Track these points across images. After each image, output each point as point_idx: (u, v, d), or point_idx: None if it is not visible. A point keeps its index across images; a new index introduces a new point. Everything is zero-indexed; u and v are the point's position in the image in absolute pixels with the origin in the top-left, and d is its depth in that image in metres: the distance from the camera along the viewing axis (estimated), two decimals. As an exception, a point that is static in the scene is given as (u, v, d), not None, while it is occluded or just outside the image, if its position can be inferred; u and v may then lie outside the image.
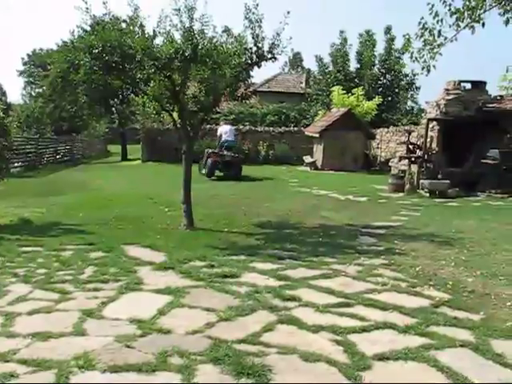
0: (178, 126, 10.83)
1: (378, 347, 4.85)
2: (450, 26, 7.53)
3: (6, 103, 30.12)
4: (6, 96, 64.81)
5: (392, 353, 4.73)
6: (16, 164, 24.57)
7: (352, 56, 37.60)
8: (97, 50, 9.38)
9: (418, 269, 7.62)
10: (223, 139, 22.03)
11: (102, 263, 7.68)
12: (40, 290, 6.46)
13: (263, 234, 10.16)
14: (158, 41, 9.89)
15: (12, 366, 4.37)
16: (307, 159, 28.16)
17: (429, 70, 7.79)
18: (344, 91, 30.78)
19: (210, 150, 21.69)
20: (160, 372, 4.32)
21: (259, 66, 10.34)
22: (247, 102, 17.35)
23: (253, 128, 32.68)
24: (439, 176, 17.67)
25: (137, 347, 4.76)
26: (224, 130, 22.47)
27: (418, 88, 37.98)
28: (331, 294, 6.38)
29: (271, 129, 32.79)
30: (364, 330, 5.27)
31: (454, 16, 7.46)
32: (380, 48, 37.30)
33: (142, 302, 6.05)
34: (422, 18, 7.64)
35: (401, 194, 17.26)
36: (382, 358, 4.65)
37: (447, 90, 18.95)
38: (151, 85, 10.43)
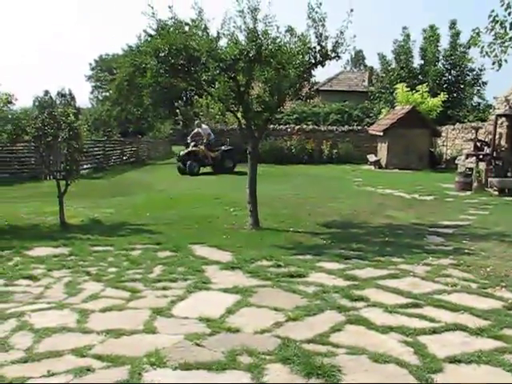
0: (243, 126, 10.89)
1: (450, 349, 4.75)
2: (523, 18, 7.28)
3: (75, 107, 31.05)
4: (75, 100, 66.88)
5: (464, 355, 4.62)
6: (85, 166, 25.24)
7: (415, 52, 36.92)
8: (163, 54, 9.55)
9: (488, 269, 7.42)
10: (212, 137, 24.65)
11: (170, 262, 7.81)
12: (111, 288, 6.63)
13: (328, 233, 10.10)
14: (223, 42, 10.02)
15: (88, 361, 4.51)
16: (371, 158, 27.84)
17: (500, 65, 7.54)
18: (408, 88, 30.28)
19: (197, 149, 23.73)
20: (229, 371, 4.35)
21: (323, 65, 10.29)
22: (311, 101, 17.25)
23: (316, 127, 32.56)
24: (509, 174, 17.14)
25: (206, 346, 4.81)
26: (208, 130, 24.71)
27: (484, 83, 36.85)
28: (399, 295, 6.29)
29: (334, 128, 32.60)
30: (434, 331, 5.17)
31: (528, 7, 7.21)
32: (444, 43, 36.49)
33: (210, 301, 6.11)
34: (493, 10, 7.41)
35: (468, 193, 16.82)
36: (453, 360, 4.56)
37: (517, 84, 18.35)
38: (216, 86, 10.53)
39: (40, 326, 5.29)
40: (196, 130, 24.71)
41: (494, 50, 7.49)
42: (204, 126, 25.52)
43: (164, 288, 6.57)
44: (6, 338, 5.04)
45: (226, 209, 12.84)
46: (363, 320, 5.43)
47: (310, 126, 32.71)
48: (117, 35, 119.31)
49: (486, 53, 7.61)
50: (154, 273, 7.30)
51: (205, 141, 24.00)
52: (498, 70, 7.56)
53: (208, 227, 10.58)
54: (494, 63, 7.55)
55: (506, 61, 7.49)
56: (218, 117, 13.34)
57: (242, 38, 9.89)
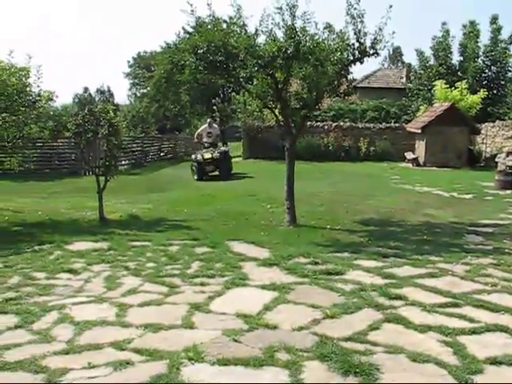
0: (281, 123, 10.88)
1: (490, 350, 4.67)
2: None
3: (113, 104, 31.44)
4: (114, 97, 67.76)
5: (505, 357, 4.54)
6: (123, 162, 25.57)
7: (455, 48, 36.29)
8: (201, 51, 9.60)
9: (530, 269, 7.27)
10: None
11: (207, 258, 7.86)
12: (150, 283, 6.70)
13: (366, 231, 10.04)
14: (261, 39, 10.03)
15: (127, 355, 4.57)
16: (409, 155, 27.51)
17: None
18: (447, 85, 29.83)
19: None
20: (267, 367, 4.36)
21: (361, 62, 10.21)
22: (348, 98, 17.15)
23: (353, 124, 32.30)
24: (550, 172, 16.76)
25: (244, 342, 4.83)
26: (218, 131, 22.87)
27: (527, 79, 36.12)
28: (438, 294, 6.21)
29: (371, 125, 32.27)
30: (474, 331, 5.09)
31: None
32: (485, 39, 35.83)
33: (247, 298, 6.13)
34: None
35: (508, 192, 16.48)
36: (494, 362, 4.48)
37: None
38: (254, 83, 10.55)
39: (80, 318, 5.39)
40: (204, 127, 22.31)
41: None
42: (215, 125, 23.52)
43: (202, 284, 6.61)
44: (48, 329, 5.15)
45: (262, 205, 12.86)
46: (401, 319, 5.38)
47: (347, 123, 32.45)
48: (155, 32, 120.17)
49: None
50: (192, 268, 7.36)
51: (212, 141, 21.54)
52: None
53: (245, 224, 10.61)
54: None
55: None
56: (255, 113, 13.37)
57: (280, 35, 9.91)
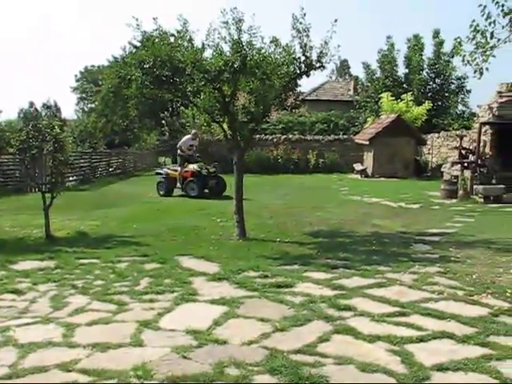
0: (229, 136, 10.91)
1: (437, 357, 4.75)
2: (502, 28, 7.37)
3: (60, 119, 30.91)
4: (61, 112, 66.57)
5: (451, 363, 4.62)
6: (71, 178, 25.15)
7: (400, 61, 37.21)
8: (148, 65, 9.56)
9: (474, 276, 7.46)
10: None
11: (157, 274, 7.77)
12: (98, 301, 6.58)
13: (315, 243, 10.13)
14: (207, 54, 10.05)
15: (74, 376, 4.46)
16: (357, 167, 27.97)
17: (481, 73, 7.63)
18: (393, 97, 30.49)
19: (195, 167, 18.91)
20: (217, 383, 4.33)
21: (308, 76, 10.35)
22: (296, 111, 17.34)
23: (302, 137, 32.67)
24: (493, 181, 17.30)
25: (194, 358, 4.79)
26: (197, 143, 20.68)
27: (468, 91, 37.20)
28: (386, 303, 6.30)
29: (320, 137, 32.73)
30: (421, 339, 5.18)
31: (508, 17, 7.30)
32: (428, 52, 36.81)
33: (197, 313, 6.08)
34: (474, 20, 7.50)
35: (454, 200, 16.94)
36: (441, 368, 4.56)
37: (500, 92, 18.55)
38: (201, 97, 10.55)
39: (25, 340, 5.23)
40: (186, 138, 19.94)
41: (476, 58, 7.59)
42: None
43: (151, 300, 6.53)
44: (-9, 353, 4.99)
45: (212, 219, 12.84)
46: (350, 329, 5.43)
47: (296, 136, 32.83)
48: (102, 46, 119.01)
49: (468, 61, 7.71)
50: (141, 285, 7.26)
51: (192, 154, 19.64)
52: (479, 79, 7.66)
53: (195, 238, 10.56)
54: (475, 72, 7.65)
55: (487, 69, 7.59)
56: (203, 127, 13.39)
57: (226, 49, 9.96)
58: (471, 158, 18.67)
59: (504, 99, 18.24)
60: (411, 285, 7.13)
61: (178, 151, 19.55)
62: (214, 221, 12.64)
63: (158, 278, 7.58)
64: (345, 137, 32.73)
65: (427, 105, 30.40)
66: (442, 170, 20.89)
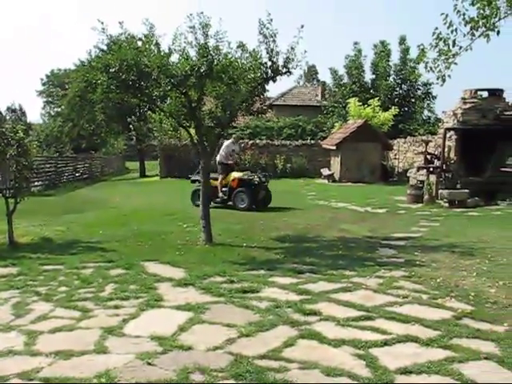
0: (195, 141, 10.88)
1: (401, 361, 4.80)
2: (464, 36, 7.47)
3: (25, 123, 30.51)
4: (26, 116, 65.72)
5: (415, 366, 4.68)
6: (36, 183, 24.81)
7: (367, 67, 37.56)
8: (113, 69, 9.48)
9: (439, 280, 7.56)
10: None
11: (122, 280, 7.71)
12: (61, 308, 6.50)
13: (282, 248, 10.16)
14: (174, 58, 10.01)
15: (35, 385, 4.40)
16: (325, 172, 28.14)
17: (444, 80, 7.75)
18: (360, 103, 30.75)
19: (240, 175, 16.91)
20: (182, 389, 4.31)
21: (274, 81, 10.38)
22: (263, 116, 17.39)
23: (269, 142, 32.75)
24: (458, 185, 17.55)
25: (158, 364, 4.76)
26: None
27: (434, 97, 37.70)
28: (352, 308, 6.34)
29: (288, 142, 32.84)
30: (386, 343, 5.23)
31: (469, 25, 7.41)
32: (395, 58, 37.25)
33: (162, 319, 6.05)
34: (436, 28, 7.59)
35: (420, 205, 17.15)
36: (404, 371, 4.62)
37: (464, 98, 18.84)
38: (168, 102, 10.53)
39: (-15, 349, 5.14)
40: (228, 143, 17.34)
41: (438, 65, 7.70)
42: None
43: (116, 307, 6.48)
44: (-51, 363, 4.88)
45: (179, 225, 12.79)
46: (316, 334, 5.46)
47: (264, 141, 32.91)
48: (69, 49, 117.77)
49: (431, 68, 7.81)
50: (106, 291, 7.19)
51: (234, 161, 17.56)
52: (441, 85, 7.77)
53: (161, 244, 10.50)
54: (438, 78, 7.76)
55: (449, 76, 7.71)
56: (170, 132, 13.32)
57: (193, 53, 9.93)
58: (436, 163, 18.90)
59: (468, 105, 18.54)
60: (376, 289, 7.19)
61: (218, 158, 16.98)
62: (181, 226, 12.59)
63: (124, 283, 7.52)
64: (312, 142, 32.90)
65: (394, 110, 30.70)
66: (408, 174, 21.14)
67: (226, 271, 8.08)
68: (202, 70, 9.59)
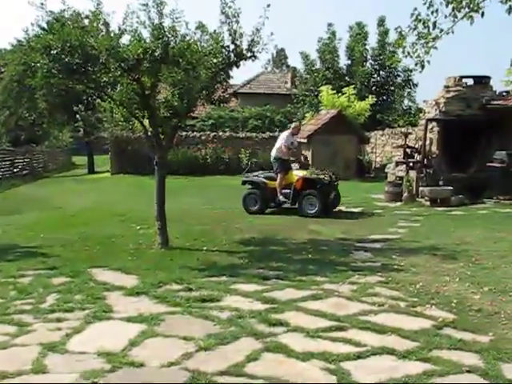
0: (150, 133, 10.82)
1: (375, 375, 4.86)
2: (445, 17, 7.56)
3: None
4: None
5: (391, 381, 4.74)
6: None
7: (342, 51, 37.76)
8: (55, 51, 9.33)
9: (418, 286, 7.67)
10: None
11: (66, 290, 7.63)
12: (-5, 322, 6.41)
13: (246, 251, 10.20)
14: (125, 40, 9.88)
15: (-37, 410, 4.33)
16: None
17: (423, 66, 7.83)
18: (333, 91, 30.81)
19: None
20: (132, 411, 4.29)
21: (238, 66, 10.38)
22: (226, 105, 17.35)
23: (234, 134, 32.72)
24: (440, 182, 17.74)
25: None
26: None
27: (415, 85, 37.94)
28: (322, 317, 6.39)
29: (254, 134, 32.85)
30: (359, 356, 5.27)
31: (451, 6, 7.50)
32: (373, 42, 37.50)
33: (111, 333, 6.02)
34: (415, 9, 7.68)
35: (398, 204, 17.33)
36: (379, 387, 4.66)
37: (447, 87, 19.05)
38: (118, 89, 10.42)
39: None
40: (287, 135, 16.26)
41: (417, 50, 7.78)
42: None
43: (58, 320, 6.41)
44: None
45: (132, 226, 12.74)
46: (282, 347, 5.48)
47: (228, 133, 32.88)
48: (5, 27, 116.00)
49: (408, 53, 7.90)
50: (47, 302, 7.10)
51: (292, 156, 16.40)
52: (421, 72, 7.86)
53: (111, 248, 10.44)
54: (416, 64, 7.84)
55: (428, 62, 7.79)
56: (121, 123, 13.19)
57: (146, 34, 9.85)
58: (417, 157, 19.11)
59: (451, 94, 18.77)
60: (350, 296, 7.26)
61: (274, 153, 16.06)
62: (134, 228, 12.54)
63: (68, 293, 7.45)
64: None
65: (371, 99, 30.85)
66: (386, 170, 21.32)
67: (184, 278, 8.07)
68: (156, 54, 9.51)
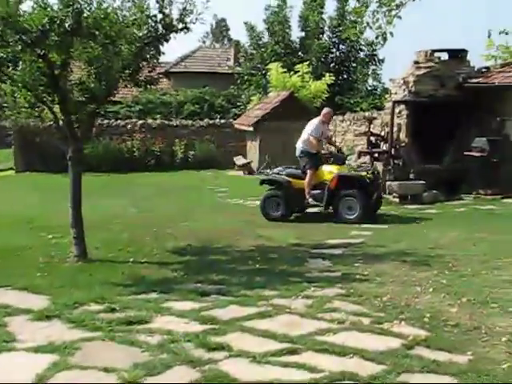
0: (61, 122, 10.68)
1: (334, 407, 4.89)
2: (411, -20, 7.66)
3: None
4: None
5: (352, 413, 4.78)
6: None
7: (294, 22, 37.86)
8: None
9: (385, 299, 7.76)
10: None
11: (-46, 316, 7.47)
12: None
13: (182, 262, 10.19)
14: (26, 6, 9.72)
15: None
16: (239, 161, 28.27)
17: (385, 39, 7.90)
18: (284, 69, 30.91)
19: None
20: None
21: (167, 40, 10.33)
22: (155, 87, 17.21)
23: (166, 122, 32.53)
24: (411, 176, 17.97)
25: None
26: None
27: (381, 61, 38.18)
28: (272, 339, 6.39)
29: (190, 122, 32.72)
30: (316, 384, 5.30)
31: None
32: (330, 10, 37.69)
33: (14, 367, 5.89)
34: (376, -31, 7.74)
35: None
36: (339, 421, 4.71)
37: (417, 62, 19.17)
38: (20, 67, 10.25)
39: None
40: (317, 122, 16.06)
41: (378, 19, 7.84)
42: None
43: None
44: None
45: (42, 236, 12.55)
46: (223, 376, 5.45)
47: (159, 121, 32.66)
48: None
49: (368, 24, 7.96)
50: None
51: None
52: (382, 45, 7.95)
53: (16, 263, 10.26)
54: (377, 37, 7.91)
55: (391, 34, 7.85)
56: (25, 110, 12.94)
57: (53, 1, 9.72)
58: (383, 146, 19.28)
59: (422, 71, 18.89)
60: (304, 313, 7.29)
61: (299, 145, 15.93)
62: (44, 237, 12.35)
63: (-44, 320, 7.30)
64: (223, 121, 32.93)
65: (328, 78, 31.04)
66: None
67: (105, 296, 7.98)
68: (66, 25, 9.39)
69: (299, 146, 15.84)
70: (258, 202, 17.28)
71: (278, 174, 15.90)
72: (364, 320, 6.97)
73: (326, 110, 16.64)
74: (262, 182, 16.12)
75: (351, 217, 14.47)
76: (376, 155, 18.78)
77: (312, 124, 15.99)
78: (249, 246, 11.50)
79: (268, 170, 16.51)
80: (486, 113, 18.09)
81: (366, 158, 19.13)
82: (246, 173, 27.14)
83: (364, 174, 15.11)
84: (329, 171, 15.16)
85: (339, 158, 15.97)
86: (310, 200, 15.11)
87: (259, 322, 6.98)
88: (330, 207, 14.97)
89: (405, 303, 7.59)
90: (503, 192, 17.23)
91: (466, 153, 17.91)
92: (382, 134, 19.99)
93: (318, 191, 15.05)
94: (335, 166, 15.40)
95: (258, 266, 9.80)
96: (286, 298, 7.90)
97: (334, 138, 28.53)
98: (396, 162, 18.52)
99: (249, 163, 27.53)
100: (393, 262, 9.89)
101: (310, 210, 15.73)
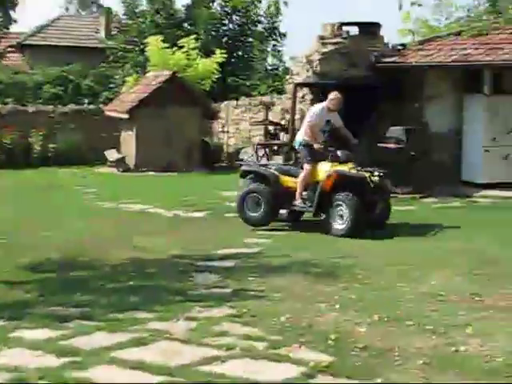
0: None
1: None
2: None
3: None
4: None
5: None
6: None
7: (177, -14, 37.80)
8: None
9: (283, 319, 7.81)
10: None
11: None
12: None
13: (37, 281, 10.06)
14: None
15: None
16: (112, 155, 28.03)
17: (278, 8, 7.93)
18: (167, 44, 30.75)
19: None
20: None
21: (15, 3, 10.17)
22: (5, 63, 16.88)
23: (19, 108, 31.93)
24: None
25: None
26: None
27: (283, 35, 38.18)
28: (146, 371, 6.31)
29: (51, 108, 32.22)
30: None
31: None
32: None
33: None
34: None
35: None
36: None
37: (323, 38, 19.25)
38: None
39: None
40: (319, 110, 15.36)
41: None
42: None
43: None
44: None
45: None
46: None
47: (10, 106, 32.05)
48: None
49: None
50: None
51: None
52: (277, 16, 7.97)
53: None
54: (269, 7, 7.95)
55: (285, 3, 7.81)
56: None
57: None
58: (283, 137, 19.37)
59: (328, 48, 18.99)
60: (187, 338, 7.26)
61: (299, 137, 15.40)
62: None
63: None
64: (91, 107, 32.60)
65: (219, 56, 31.02)
66: (241, 157, 21.55)
67: None
68: None
69: (298, 137, 15.33)
70: (136, 206, 17.28)
71: (265, 166, 15.64)
72: (258, 345, 6.98)
73: (333, 95, 15.47)
74: (244, 174, 15.65)
75: (340, 227, 13.60)
76: (275, 148, 18.85)
77: (313, 111, 15.42)
78: (122, 259, 11.41)
79: (250, 159, 16.72)
80: (402, 97, 18.35)
81: (264, 151, 19.16)
82: (120, 170, 26.92)
83: (368, 175, 14.12)
84: (326, 170, 14.34)
85: (343, 155, 14.63)
86: (299, 202, 14.39)
87: (131, 350, 6.89)
88: (323, 214, 14.29)
89: (306, 323, 7.65)
90: (422, 191, 17.52)
91: (379, 144, 18.03)
92: (283, 122, 20.06)
93: (309, 193, 14.45)
94: (336, 163, 14.37)
95: (131, 282, 9.74)
96: (164, 320, 7.87)
97: (226, 128, 28.72)
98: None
99: (124, 158, 27.31)
100: (293, 274, 10.00)
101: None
